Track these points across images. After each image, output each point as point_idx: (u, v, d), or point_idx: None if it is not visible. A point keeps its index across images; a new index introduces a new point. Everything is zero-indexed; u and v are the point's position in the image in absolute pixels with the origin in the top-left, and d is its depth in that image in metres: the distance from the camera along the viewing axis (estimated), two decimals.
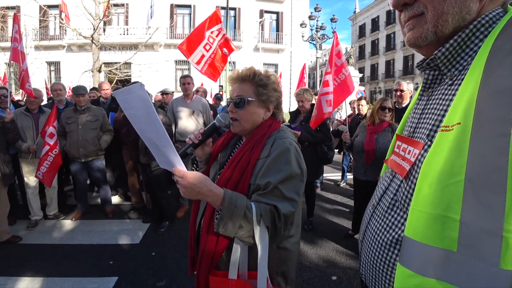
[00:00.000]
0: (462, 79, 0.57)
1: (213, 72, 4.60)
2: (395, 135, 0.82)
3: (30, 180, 3.56)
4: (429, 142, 0.61)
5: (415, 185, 0.58)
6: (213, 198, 0.96)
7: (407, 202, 0.64)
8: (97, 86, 8.52)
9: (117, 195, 4.75)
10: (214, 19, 4.64)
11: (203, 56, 4.47)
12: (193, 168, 1.35)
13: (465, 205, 0.46)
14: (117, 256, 2.96)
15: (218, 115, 1.22)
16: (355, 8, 39.22)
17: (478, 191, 0.44)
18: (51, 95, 4.43)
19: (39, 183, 3.67)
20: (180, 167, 0.95)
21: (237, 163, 1.10)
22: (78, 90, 3.58)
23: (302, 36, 14.99)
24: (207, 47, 4.51)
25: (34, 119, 3.52)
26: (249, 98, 1.14)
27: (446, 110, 0.59)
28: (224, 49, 4.67)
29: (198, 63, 4.45)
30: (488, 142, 0.44)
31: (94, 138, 3.68)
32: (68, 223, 3.74)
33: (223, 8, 11.70)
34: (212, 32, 4.57)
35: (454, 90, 0.59)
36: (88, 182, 4.25)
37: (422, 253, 0.52)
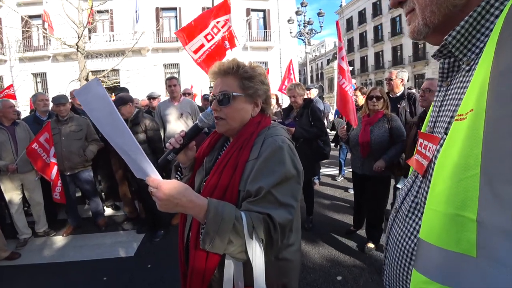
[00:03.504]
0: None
1: (209, 64, 4.31)
2: (417, 132, 0.75)
3: (12, 197, 3.37)
4: (445, 136, 0.55)
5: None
6: (195, 210, 0.83)
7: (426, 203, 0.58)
8: None
9: (110, 206, 4.59)
10: (223, 8, 4.26)
11: (202, 45, 4.10)
12: (177, 176, 1.22)
13: (482, 202, 0.40)
14: (111, 271, 2.82)
15: (200, 115, 1.09)
16: (341, 2, 39.29)
17: (495, 184, 0.39)
18: (34, 107, 4.24)
19: (23, 199, 3.50)
20: (154, 176, 0.82)
21: (224, 167, 0.98)
22: (59, 100, 3.41)
23: (290, 32, 14.91)
24: (209, 37, 4.14)
25: (9, 132, 3.31)
26: (234, 93, 1.01)
27: (462, 99, 0.52)
28: (226, 42, 4.38)
29: (195, 52, 4.08)
30: (502, 126, 0.39)
31: (79, 149, 3.52)
32: (59, 240, 3.58)
33: (209, 8, 11.51)
34: (218, 22, 4.20)
35: (471, 76, 0.52)
36: (80, 194, 4.09)
37: (438, 257, 0.46)
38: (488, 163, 0.40)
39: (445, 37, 0.55)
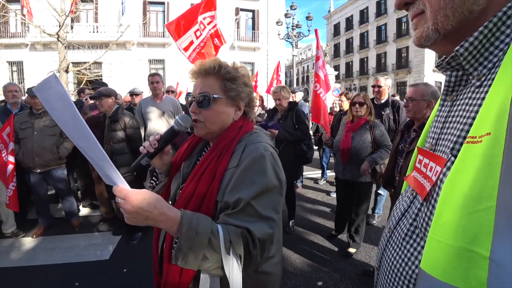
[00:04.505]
0: (493, 78, 0.46)
1: None
2: (416, 148, 0.71)
3: None
4: (452, 158, 0.51)
5: (435, 209, 0.48)
6: (167, 223, 0.76)
7: (427, 229, 0.54)
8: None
9: (87, 206, 4.38)
10: (209, 4, 4.22)
11: (191, 42, 4.03)
12: (152, 181, 1.14)
13: (497, 239, 0.37)
14: (84, 276, 2.67)
15: (177, 117, 1.02)
16: (330, 7, 39.89)
17: None
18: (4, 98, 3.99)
19: None
20: (122, 185, 0.75)
21: (201, 174, 0.91)
22: (34, 92, 3.21)
23: (278, 34, 14.94)
24: (198, 33, 4.06)
25: None
26: (214, 95, 0.95)
27: (474, 118, 0.48)
28: (216, 39, 4.29)
29: (186, 49, 3.99)
30: None
31: (52, 146, 3.29)
32: (28, 241, 3.36)
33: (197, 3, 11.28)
34: (204, 18, 4.15)
35: (483, 93, 0.49)
36: (54, 192, 3.87)
37: None
38: (506, 196, 0.36)
39: (456, 48, 0.51)
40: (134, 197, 0.72)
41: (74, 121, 0.66)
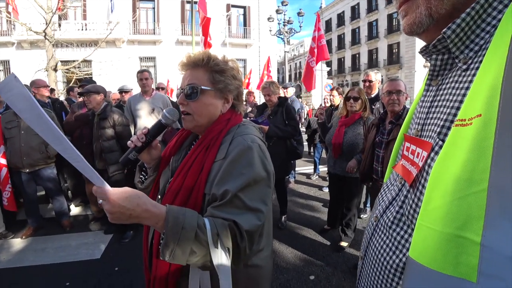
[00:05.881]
0: (480, 61, 0.46)
1: None
2: (401, 134, 0.70)
3: None
4: (440, 142, 0.50)
5: (423, 195, 0.47)
6: (152, 220, 0.74)
7: (415, 216, 0.53)
8: (52, 87, 7.77)
9: (80, 205, 4.32)
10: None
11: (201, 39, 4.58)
12: (141, 176, 1.13)
13: (489, 223, 0.36)
14: (75, 275, 2.63)
15: (164, 111, 1.01)
16: (321, 4, 39.97)
17: (506, 203, 0.34)
18: None
19: None
20: (101, 185, 0.72)
21: (189, 168, 0.91)
22: None
23: (270, 31, 14.89)
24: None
25: None
26: (203, 87, 0.94)
27: (461, 101, 0.48)
28: (208, 37, 4.69)
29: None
30: None
31: (41, 145, 3.22)
32: (17, 242, 3.29)
33: (188, 2, 11.17)
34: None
35: (470, 76, 0.48)
36: (44, 193, 3.80)
37: (431, 281, 0.41)
38: (499, 179, 0.35)
39: (443, 30, 0.50)
40: (114, 197, 0.70)
41: (41, 123, 0.63)
